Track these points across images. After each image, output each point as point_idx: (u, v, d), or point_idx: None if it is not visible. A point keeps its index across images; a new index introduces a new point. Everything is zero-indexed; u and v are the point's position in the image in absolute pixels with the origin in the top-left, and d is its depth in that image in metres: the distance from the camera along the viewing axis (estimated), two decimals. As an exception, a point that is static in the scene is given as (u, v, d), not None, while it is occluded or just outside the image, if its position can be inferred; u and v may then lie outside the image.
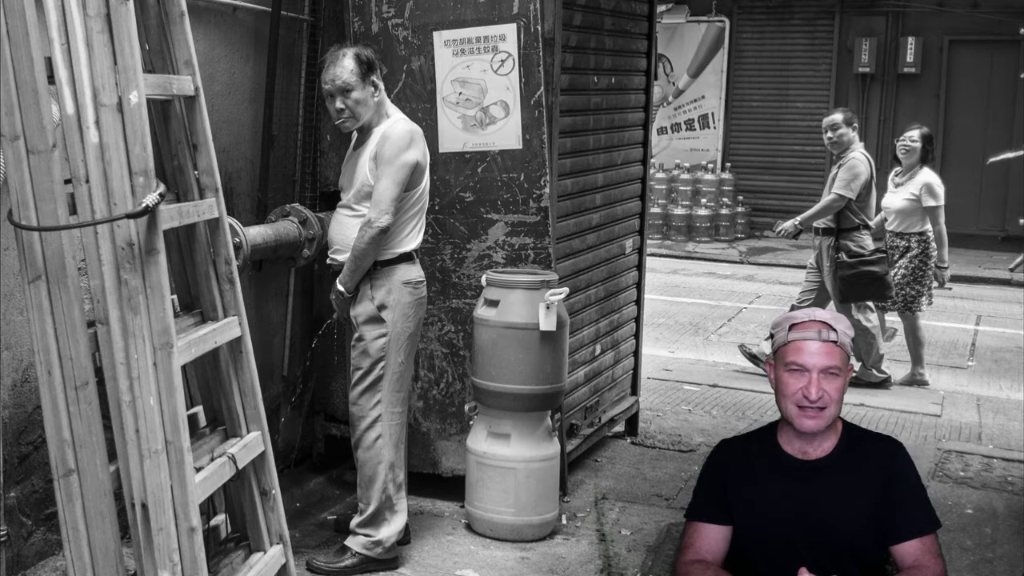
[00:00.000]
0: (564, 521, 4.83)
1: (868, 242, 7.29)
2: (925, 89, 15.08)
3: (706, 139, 16.37)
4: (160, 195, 2.89)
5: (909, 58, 15.01)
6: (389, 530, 4.29)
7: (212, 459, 3.21)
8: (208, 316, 3.32)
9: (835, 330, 2.71)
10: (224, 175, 4.32)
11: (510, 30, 4.58)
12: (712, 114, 16.30)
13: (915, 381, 7.69)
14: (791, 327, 2.75)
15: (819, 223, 7.41)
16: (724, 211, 15.40)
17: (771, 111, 15.97)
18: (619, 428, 6.08)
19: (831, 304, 7.43)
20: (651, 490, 5.35)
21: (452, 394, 4.96)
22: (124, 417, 2.93)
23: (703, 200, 15.31)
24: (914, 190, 7.45)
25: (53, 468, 2.99)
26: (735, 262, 14.11)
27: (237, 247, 4.06)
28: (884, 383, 7.54)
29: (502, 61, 4.61)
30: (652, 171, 7.09)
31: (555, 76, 4.82)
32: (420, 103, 4.73)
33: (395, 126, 4.22)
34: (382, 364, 4.23)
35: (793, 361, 2.71)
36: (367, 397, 4.25)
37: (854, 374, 7.26)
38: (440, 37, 4.67)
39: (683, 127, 16.51)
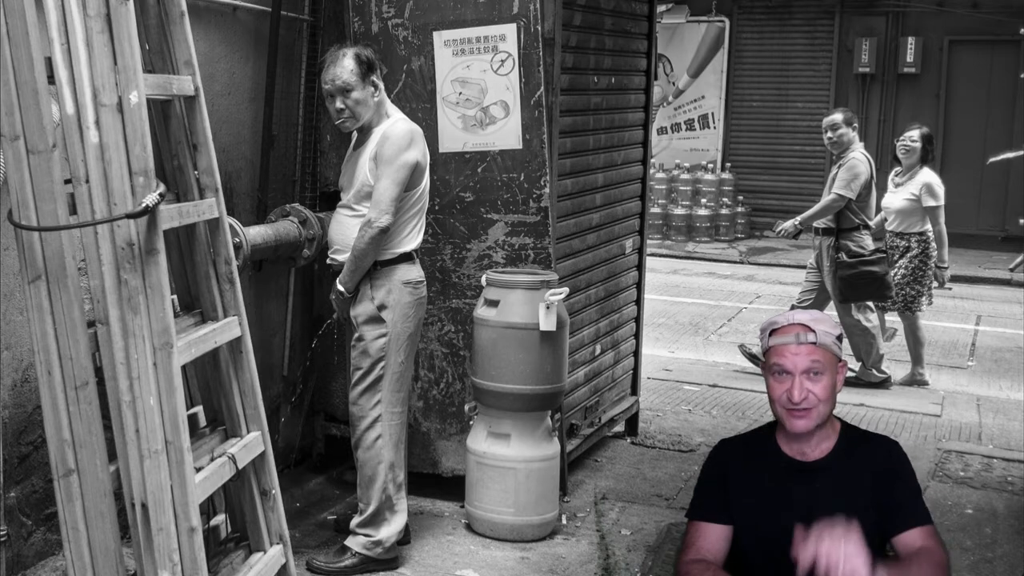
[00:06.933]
0: (564, 521, 4.83)
1: (868, 242, 7.29)
2: (925, 89, 15.08)
3: (706, 139, 16.37)
4: (160, 195, 2.89)
5: (909, 58, 15.01)
6: (389, 530, 4.29)
7: (212, 459, 3.21)
8: (208, 316, 3.33)
9: (814, 331, 2.71)
10: (224, 175, 4.32)
11: (510, 30, 4.58)
12: (712, 114, 16.30)
13: (915, 381, 7.69)
14: (772, 332, 2.76)
15: (819, 223, 7.41)
16: (724, 211, 15.40)
17: (771, 111, 15.96)
18: (619, 428, 6.08)
19: (831, 304, 7.44)
20: (651, 490, 5.35)
21: (452, 394, 4.96)
22: (124, 417, 2.93)
23: (703, 200, 15.31)
24: (914, 190, 7.45)
25: (53, 468, 2.99)
26: (735, 262, 14.11)
27: (237, 247, 4.06)
28: (884, 383, 7.54)
29: (502, 61, 4.61)
30: (652, 171, 7.09)
31: (555, 76, 4.82)
32: (420, 103, 4.73)
33: (395, 126, 4.22)
34: (382, 364, 4.24)
35: (775, 364, 2.73)
36: (367, 397, 4.25)
37: (853, 374, 7.33)
38: (440, 37, 4.67)
39: (683, 127, 16.51)
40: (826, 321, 2.79)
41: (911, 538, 2.70)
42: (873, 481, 2.73)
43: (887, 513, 2.71)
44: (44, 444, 3.20)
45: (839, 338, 2.78)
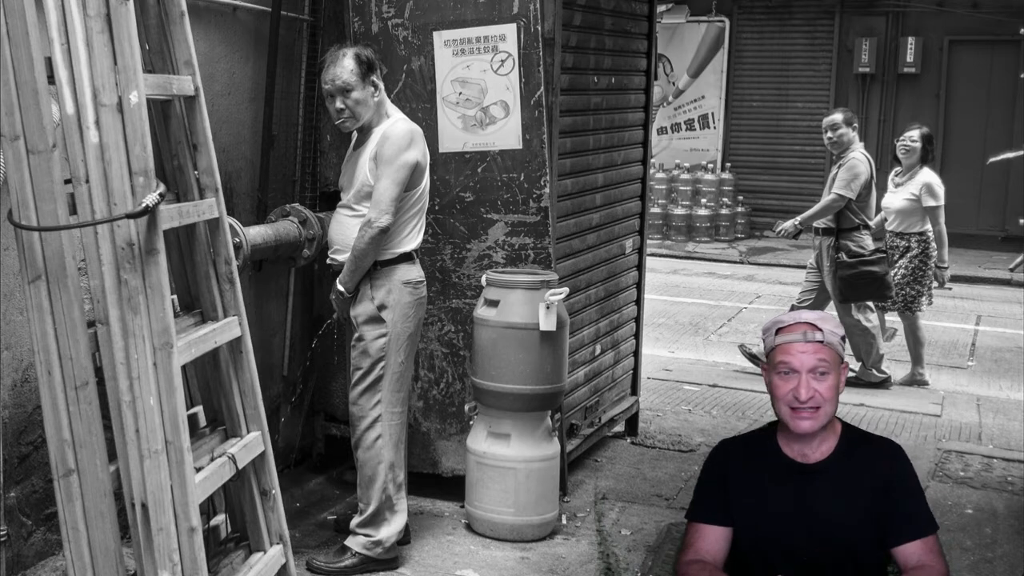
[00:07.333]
0: (564, 521, 4.83)
1: (868, 242, 7.30)
2: (925, 89, 15.08)
3: (706, 139, 16.37)
4: (160, 195, 2.89)
5: (909, 58, 15.01)
6: (389, 530, 4.29)
7: (212, 459, 3.21)
8: (208, 316, 3.33)
9: (821, 330, 2.71)
10: (224, 175, 4.32)
11: (510, 30, 4.58)
12: (712, 114, 16.30)
13: (915, 381, 7.69)
14: (778, 331, 2.76)
15: (819, 223, 7.41)
16: (724, 211, 15.40)
17: (771, 111, 15.96)
18: (619, 428, 6.08)
19: (831, 304, 7.44)
20: (651, 490, 5.35)
21: (452, 394, 4.96)
22: (124, 417, 2.93)
23: (703, 200, 15.31)
24: (914, 190, 7.45)
25: (53, 468, 2.99)
26: (735, 262, 14.11)
27: (237, 247, 4.06)
28: (884, 383, 7.54)
29: (502, 61, 4.61)
30: (652, 171, 7.09)
31: (555, 76, 4.82)
32: (420, 103, 4.73)
33: (395, 126, 4.22)
34: (382, 364, 4.23)
35: (781, 362, 2.72)
36: (367, 397, 4.25)
37: (853, 374, 7.32)
38: (440, 37, 4.67)
39: (683, 127, 16.51)
40: (831, 321, 2.78)
41: (911, 551, 2.70)
42: (874, 486, 2.72)
43: (887, 523, 2.71)
44: (44, 444, 3.20)
45: (843, 339, 2.78)
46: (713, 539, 2.80)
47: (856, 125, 7.43)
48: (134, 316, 2.90)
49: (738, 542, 2.81)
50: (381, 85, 4.28)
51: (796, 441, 2.77)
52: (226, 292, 3.34)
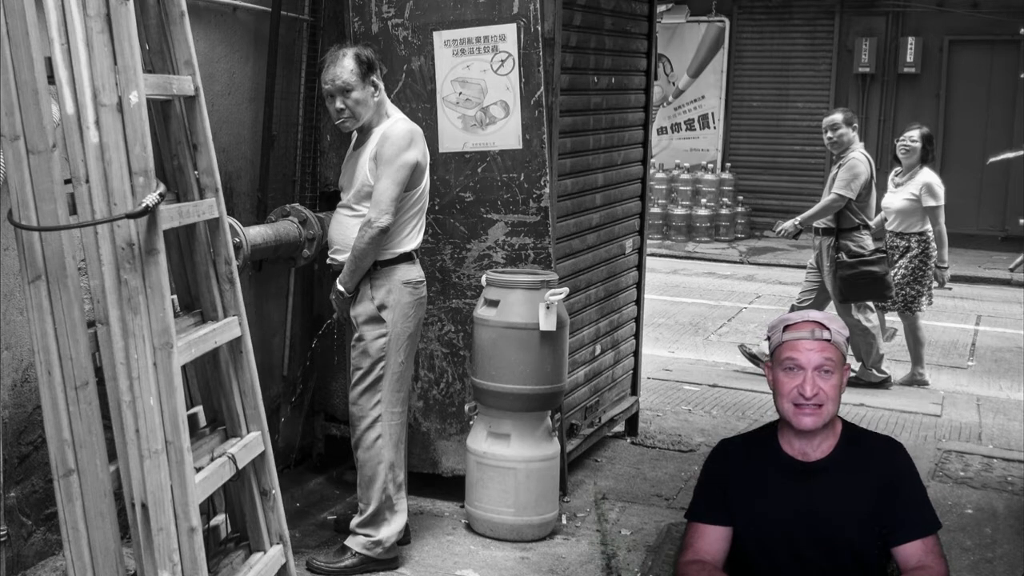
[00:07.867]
0: (564, 521, 4.83)
1: (868, 242, 7.30)
2: (925, 89, 15.08)
3: (706, 139, 16.37)
4: (160, 195, 2.89)
5: (909, 58, 15.01)
6: (389, 530, 4.29)
7: (212, 459, 3.21)
8: (208, 316, 3.33)
9: (828, 328, 2.74)
10: (224, 175, 4.32)
11: (510, 30, 4.58)
12: (712, 114, 16.31)
13: (915, 381, 7.70)
14: (785, 328, 2.77)
15: (819, 223, 7.41)
16: (724, 211, 15.40)
17: (771, 111, 15.97)
18: (619, 428, 6.08)
19: (831, 304, 7.44)
20: (651, 490, 5.35)
21: (452, 394, 4.96)
22: (124, 417, 2.93)
23: (703, 200, 15.31)
24: (914, 190, 7.46)
25: (53, 468, 2.99)
26: (735, 262, 14.11)
27: (237, 247, 4.06)
28: (884, 383, 7.54)
29: (502, 61, 4.61)
30: (652, 171, 7.09)
31: (555, 76, 4.82)
32: (420, 103, 4.73)
33: (395, 126, 4.22)
34: (382, 364, 4.24)
35: (788, 358, 2.73)
36: (367, 397, 4.25)
37: (853, 374, 7.31)
38: (440, 37, 4.67)
39: (683, 127, 16.52)
40: (838, 321, 2.82)
41: (911, 551, 2.70)
42: (875, 485, 2.72)
43: (889, 522, 2.71)
44: (44, 444, 3.20)
45: (847, 340, 2.80)
46: (713, 539, 2.80)
47: (856, 125, 7.44)
48: (134, 316, 2.90)
49: (738, 542, 2.81)
50: (381, 85, 4.28)
51: (797, 440, 2.77)
52: (226, 292, 3.34)
